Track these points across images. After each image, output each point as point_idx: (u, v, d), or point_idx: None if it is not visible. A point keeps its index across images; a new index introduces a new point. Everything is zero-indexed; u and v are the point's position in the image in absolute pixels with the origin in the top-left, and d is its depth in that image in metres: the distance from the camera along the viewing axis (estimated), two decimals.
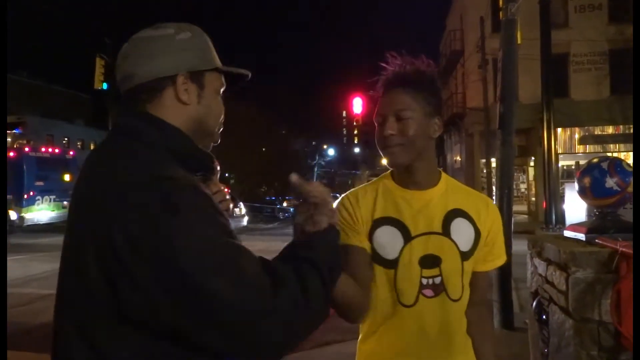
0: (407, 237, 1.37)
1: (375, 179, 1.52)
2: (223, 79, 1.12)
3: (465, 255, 1.39)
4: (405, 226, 1.37)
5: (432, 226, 1.38)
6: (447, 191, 1.43)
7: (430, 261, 1.36)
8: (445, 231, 1.38)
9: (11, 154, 18.03)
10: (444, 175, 1.46)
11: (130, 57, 1.03)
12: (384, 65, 1.40)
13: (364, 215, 1.40)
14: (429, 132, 1.37)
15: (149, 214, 0.86)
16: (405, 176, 1.41)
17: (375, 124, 1.39)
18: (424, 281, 1.36)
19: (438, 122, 1.39)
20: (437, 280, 1.36)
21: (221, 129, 1.15)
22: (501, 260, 1.48)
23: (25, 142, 20.60)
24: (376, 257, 1.39)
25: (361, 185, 1.52)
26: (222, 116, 1.14)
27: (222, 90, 1.12)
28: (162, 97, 1.02)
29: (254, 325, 0.87)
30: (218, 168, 1.14)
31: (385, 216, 1.39)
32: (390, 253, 1.37)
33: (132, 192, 0.89)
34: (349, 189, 1.53)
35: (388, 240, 1.38)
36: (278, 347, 0.93)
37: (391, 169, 1.45)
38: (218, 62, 1.10)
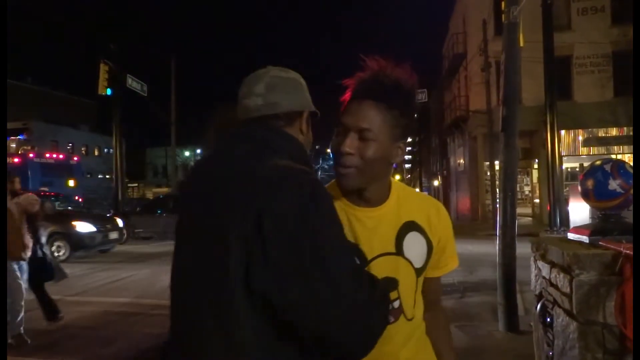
0: (363, 261, 1.26)
1: None
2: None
3: (419, 272, 1.33)
4: (359, 250, 1.27)
5: (386, 246, 1.29)
6: (399, 203, 1.33)
7: (388, 285, 1.27)
8: (399, 250, 1.30)
9: (16, 159, 18.14)
10: (394, 184, 1.36)
11: (274, 89, 1.23)
12: (362, 63, 1.27)
13: None
14: (390, 157, 1.25)
15: (299, 200, 1.01)
16: (355, 195, 1.30)
17: (334, 128, 1.28)
18: None
19: (402, 146, 1.27)
20: (396, 304, 1.29)
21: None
22: (452, 265, 1.42)
23: (29, 147, 20.73)
24: None
25: None
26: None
27: None
28: (293, 125, 1.26)
29: (364, 316, 1.04)
30: None
31: None
32: None
33: (281, 179, 1.04)
34: None
35: None
36: (373, 340, 1.09)
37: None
38: (312, 106, 1.34)
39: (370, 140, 1.20)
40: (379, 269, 1.25)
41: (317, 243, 1.00)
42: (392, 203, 1.33)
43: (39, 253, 5.71)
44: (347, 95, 1.27)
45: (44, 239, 5.92)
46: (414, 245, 1.32)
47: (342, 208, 1.28)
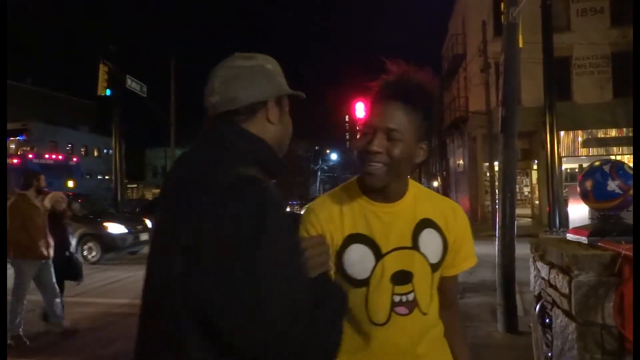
0: (378, 254, 1.32)
1: (339, 187, 1.46)
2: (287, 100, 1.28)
3: (434, 267, 1.37)
4: (375, 243, 1.33)
5: (402, 241, 1.34)
6: (415, 200, 1.38)
7: (402, 277, 1.33)
8: (415, 245, 1.34)
9: (15, 160, 18.12)
10: (411, 183, 1.41)
11: (231, 83, 1.18)
12: (386, 66, 1.32)
13: (332, 232, 1.34)
14: (414, 157, 1.31)
15: (240, 215, 0.96)
16: (376, 191, 1.34)
17: (360, 130, 1.33)
18: (396, 298, 1.33)
19: (425, 147, 1.32)
20: (410, 296, 1.34)
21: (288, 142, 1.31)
22: (468, 263, 1.46)
23: (29, 148, 20.71)
24: (345, 277, 1.33)
25: (324, 196, 1.46)
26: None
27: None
28: (256, 117, 1.19)
29: (297, 347, 0.95)
30: None
31: (356, 233, 1.34)
32: (361, 272, 1.33)
33: (227, 190, 0.99)
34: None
35: (359, 259, 1.33)
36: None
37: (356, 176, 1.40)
38: (288, 87, 1.27)
39: (398, 140, 1.26)
40: (395, 262, 1.33)
41: (252, 262, 0.92)
42: (408, 200, 1.38)
43: (66, 253, 5.68)
44: (372, 98, 1.32)
45: (74, 240, 5.91)
46: (430, 242, 1.37)
47: (360, 204, 1.36)
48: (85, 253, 11.54)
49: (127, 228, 12.29)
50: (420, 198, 1.40)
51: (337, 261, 1.34)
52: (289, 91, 1.27)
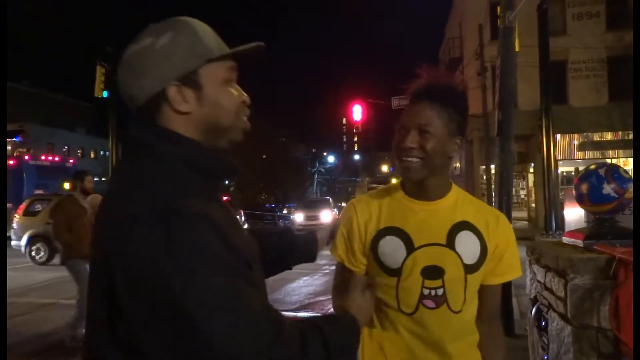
0: (410, 248, 1.39)
1: (382, 187, 1.56)
2: (231, 63, 1.03)
3: (469, 269, 1.39)
4: (408, 237, 1.39)
5: (437, 237, 1.39)
6: (456, 204, 1.44)
7: (432, 272, 1.37)
8: (450, 243, 1.38)
9: (11, 162, 18.06)
10: (455, 187, 1.47)
11: (122, 80, 1.00)
12: (417, 72, 1.41)
13: (369, 225, 1.44)
14: (448, 150, 1.38)
15: (149, 252, 0.83)
16: (416, 188, 1.43)
17: (396, 131, 1.41)
18: (425, 291, 1.37)
19: (458, 142, 1.39)
20: (440, 291, 1.37)
21: (247, 114, 1.07)
22: (512, 274, 1.47)
23: (25, 150, 20.63)
24: (380, 266, 1.42)
25: (370, 192, 1.55)
26: (241, 102, 1.05)
27: (233, 74, 1.04)
28: (163, 113, 0.98)
29: None
30: None
31: (390, 226, 1.42)
32: (393, 263, 1.40)
33: (135, 227, 0.85)
34: (350, 196, 1.58)
35: (391, 251, 1.40)
36: None
37: (395, 178, 1.49)
38: (213, 51, 1.00)
39: (429, 134, 1.33)
40: (426, 257, 1.38)
41: (178, 301, 0.81)
42: (449, 201, 1.43)
43: None
44: (408, 100, 1.41)
45: None
46: (467, 243, 1.39)
47: (399, 201, 1.45)
48: None
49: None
50: (463, 203, 1.45)
51: (372, 250, 1.43)
52: (208, 57, 0.99)
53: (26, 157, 18.95)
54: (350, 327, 1.09)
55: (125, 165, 1.00)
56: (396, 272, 1.39)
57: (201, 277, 0.83)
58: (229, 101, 1.02)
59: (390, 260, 1.40)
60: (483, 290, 1.45)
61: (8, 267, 10.65)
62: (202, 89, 0.98)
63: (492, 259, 1.42)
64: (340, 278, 1.49)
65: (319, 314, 1.13)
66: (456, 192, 1.46)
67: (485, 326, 1.47)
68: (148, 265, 0.83)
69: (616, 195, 2.65)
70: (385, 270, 1.41)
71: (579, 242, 2.78)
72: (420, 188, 1.41)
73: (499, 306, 1.53)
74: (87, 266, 4.76)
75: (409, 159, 1.35)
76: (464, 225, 1.41)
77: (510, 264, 1.45)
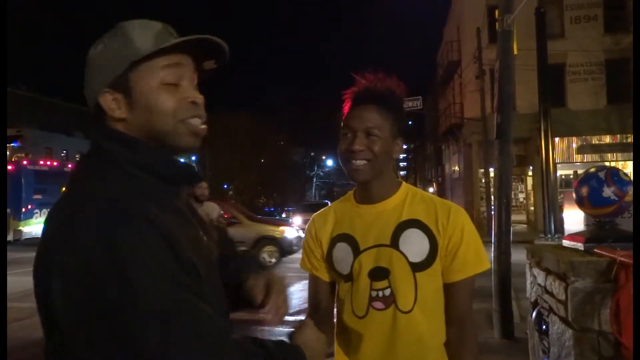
0: (357, 251, 1.43)
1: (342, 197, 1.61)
2: (167, 62, 0.96)
3: (416, 267, 1.38)
4: (355, 241, 1.44)
5: (381, 239, 1.41)
6: (404, 203, 1.44)
7: (378, 273, 1.39)
8: (394, 243, 1.39)
9: (10, 167, 18.02)
10: (404, 186, 1.49)
11: (86, 78, 1.00)
12: (356, 77, 1.45)
13: (324, 236, 1.51)
14: (392, 152, 1.43)
15: (88, 255, 0.80)
16: (362, 192, 1.47)
17: (341, 135, 1.43)
18: (374, 293, 1.40)
19: (400, 143, 1.45)
20: (387, 292, 1.39)
21: (197, 115, 0.99)
22: (471, 269, 1.40)
23: (23, 155, 20.57)
24: (336, 272, 1.48)
25: (329, 205, 1.62)
26: (187, 104, 0.98)
27: (172, 74, 0.97)
28: (107, 121, 0.97)
29: None
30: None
31: (341, 233, 1.48)
32: (344, 268, 1.44)
33: (76, 227, 0.82)
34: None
35: (342, 256, 1.45)
36: None
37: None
38: (139, 52, 0.94)
39: (376, 137, 1.37)
40: (371, 259, 1.41)
41: (116, 313, 0.79)
42: (395, 201, 1.45)
43: None
44: (348, 104, 1.44)
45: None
46: (412, 241, 1.39)
47: (349, 208, 1.51)
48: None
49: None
50: (413, 201, 1.45)
51: (328, 259, 1.50)
52: (132, 59, 0.93)
53: (24, 162, 18.92)
54: (298, 354, 1.02)
55: (79, 168, 0.98)
56: (349, 277, 1.44)
57: (139, 285, 0.79)
58: (163, 104, 0.95)
59: (341, 266, 1.45)
60: (446, 290, 1.41)
61: (10, 272, 10.64)
62: (132, 93, 0.95)
63: (448, 255, 1.39)
64: (312, 288, 1.56)
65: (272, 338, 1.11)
66: (405, 191, 1.47)
67: (452, 329, 1.42)
68: (85, 268, 0.79)
69: (616, 198, 2.64)
70: (340, 277, 1.47)
71: (580, 245, 2.77)
72: (366, 191, 1.45)
73: (469, 307, 1.44)
74: None
75: (358, 161, 1.38)
76: (411, 223, 1.41)
77: (466, 258, 1.39)
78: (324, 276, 1.53)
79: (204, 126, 1.01)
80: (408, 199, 1.45)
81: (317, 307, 1.55)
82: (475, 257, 1.41)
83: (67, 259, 0.81)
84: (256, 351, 0.90)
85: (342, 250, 1.45)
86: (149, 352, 0.79)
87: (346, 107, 1.45)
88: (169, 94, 0.96)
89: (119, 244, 0.80)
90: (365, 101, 1.40)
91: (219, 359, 0.84)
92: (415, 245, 1.39)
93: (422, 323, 1.38)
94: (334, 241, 1.48)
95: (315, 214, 1.60)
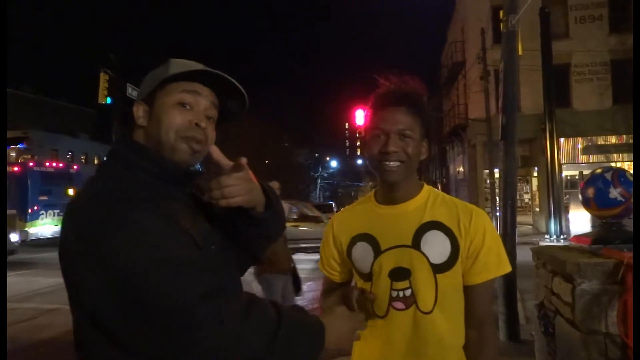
0: (377, 251, 1.44)
1: (362, 197, 1.64)
2: (185, 86, 1.14)
3: (438, 268, 1.39)
4: (376, 241, 1.45)
5: (402, 239, 1.42)
6: (426, 204, 1.46)
7: (399, 274, 1.40)
8: (415, 244, 1.40)
9: (16, 168, 18.11)
10: (426, 188, 1.50)
11: None
12: (382, 80, 1.47)
13: (344, 235, 1.53)
14: (420, 153, 1.45)
15: (91, 222, 0.97)
16: (387, 192, 1.48)
17: (370, 136, 1.43)
18: (394, 293, 1.41)
19: (426, 145, 1.48)
20: (407, 292, 1.40)
21: (194, 135, 1.13)
22: (492, 272, 1.42)
23: (29, 156, 20.71)
24: (357, 271, 1.50)
25: (350, 205, 1.66)
26: (189, 124, 1.13)
27: (189, 96, 1.14)
28: (132, 128, 1.17)
29: (185, 317, 0.92)
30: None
31: (361, 233, 1.49)
32: (364, 267, 1.46)
33: (86, 212, 1.00)
34: (352, 201, 1.63)
35: (362, 256, 1.47)
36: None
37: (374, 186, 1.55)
38: (167, 74, 1.13)
39: (410, 138, 1.40)
40: (392, 259, 1.41)
41: (115, 259, 0.95)
42: (418, 203, 1.46)
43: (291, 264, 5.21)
44: (376, 106, 1.45)
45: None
46: (434, 243, 1.40)
47: (370, 208, 1.52)
48: None
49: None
50: (435, 203, 1.47)
51: (348, 258, 1.51)
52: (159, 79, 1.14)
53: (31, 164, 18.98)
54: (314, 325, 1.12)
55: (99, 168, 1.16)
56: (369, 277, 1.45)
57: (146, 247, 0.95)
58: (169, 119, 1.12)
59: (361, 265, 1.47)
60: (467, 292, 1.43)
61: (13, 273, 10.68)
62: (153, 106, 1.15)
63: (469, 257, 1.40)
64: (326, 287, 1.61)
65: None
66: (427, 193, 1.49)
67: (473, 331, 1.43)
68: (96, 239, 0.95)
69: (623, 200, 2.63)
70: (360, 276, 1.49)
71: (586, 247, 2.75)
72: (391, 192, 1.46)
73: (489, 310, 1.47)
74: (280, 282, 4.48)
75: (392, 162, 1.39)
76: (433, 225, 1.42)
77: (487, 261, 1.40)
78: (335, 276, 1.57)
79: (200, 144, 1.15)
80: (430, 201, 1.46)
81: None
82: (496, 260, 1.43)
83: (70, 238, 1.00)
84: (266, 303, 1.04)
85: (362, 250, 1.47)
86: (153, 292, 0.93)
87: (374, 109, 1.45)
88: (179, 112, 1.13)
89: (125, 218, 0.97)
90: (397, 103, 1.41)
91: (221, 303, 0.96)
92: (436, 247, 1.40)
93: (442, 324, 1.40)
94: (354, 240, 1.50)
95: (335, 214, 1.64)
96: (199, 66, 1.15)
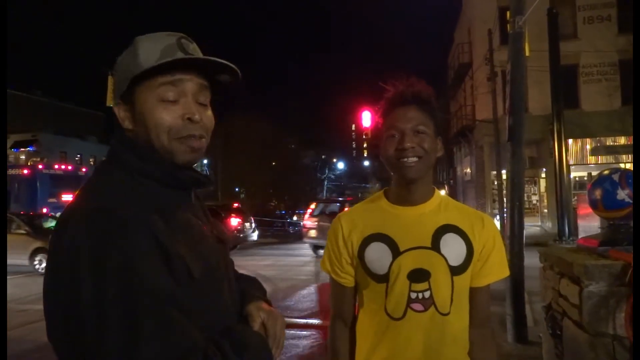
0: (396, 252, 1.42)
1: (369, 196, 1.62)
2: (164, 79, 0.98)
3: (455, 270, 1.42)
4: (394, 242, 1.43)
5: (421, 241, 1.42)
6: (440, 208, 1.48)
7: (419, 275, 1.40)
8: (435, 246, 1.42)
9: (25, 171, 18.29)
10: (437, 193, 1.52)
11: None
12: (391, 82, 1.48)
13: (355, 235, 1.49)
14: (436, 151, 1.46)
15: (71, 255, 0.84)
16: (403, 192, 1.47)
17: (385, 138, 1.44)
18: (413, 295, 1.40)
19: (440, 142, 1.49)
20: (427, 294, 1.40)
21: (189, 135, 1.00)
22: (498, 274, 1.48)
23: (38, 159, 20.86)
24: (368, 273, 1.45)
25: (356, 205, 1.62)
26: (181, 121, 0.99)
27: (170, 91, 0.99)
28: (121, 130, 1.03)
29: None
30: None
31: (375, 233, 1.46)
32: (379, 269, 1.43)
33: (70, 224, 0.88)
34: (359, 202, 1.63)
35: (378, 257, 1.44)
36: None
37: (385, 187, 1.54)
38: (139, 68, 0.97)
39: (425, 134, 1.42)
40: (412, 260, 1.41)
41: (81, 302, 0.82)
42: (432, 206, 1.48)
43: None
44: (385, 109, 1.47)
45: None
46: (452, 245, 1.43)
47: (383, 208, 1.50)
48: None
49: None
50: (447, 207, 1.49)
51: (359, 259, 1.47)
52: (131, 76, 0.98)
53: (40, 166, 19.16)
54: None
55: (95, 168, 1.06)
56: (384, 278, 1.42)
57: (113, 290, 0.82)
58: (155, 120, 0.98)
59: (376, 266, 1.44)
60: (472, 294, 1.46)
61: (19, 275, 10.76)
62: (134, 105, 1.00)
63: (480, 260, 1.45)
64: (334, 289, 1.57)
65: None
66: (439, 197, 1.51)
67: (476, 331, 1.47)
68: (68, 266, 0.84)
69: (630, 201, 2.61)
70: (373, 278, 1.44)
71: (594, 249, 2.74)
72: (407, 192, 1.46)
73: (489, 311, 1.53)
74: None
75: (410, 158, 1.40)
76: (449, 228, 1.44)
77: (496, 263, 1.47)
78: (347, 280, 1.52)
79: (200, 141, 1.02)
80: (443, 204, 1.49)
81: (340, 311, 1.56)
82: (500, 264, 1.49)
83: (53, 253, 0.88)
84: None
85: (378, 251, 1.44)
86: (104, 352, 0.81)
87: (385, 112, 1.47)
88: (165, 111, 0.98)
89: (105, 240, 0.84)
90: (407, 102, 1.43)
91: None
92: (454, 249, 1.42)
93: (456, 324, 1.43)
94: (366, 241, 1.47)
95: (341, 214, 1.58)
96: (171, 45, 0.98)
